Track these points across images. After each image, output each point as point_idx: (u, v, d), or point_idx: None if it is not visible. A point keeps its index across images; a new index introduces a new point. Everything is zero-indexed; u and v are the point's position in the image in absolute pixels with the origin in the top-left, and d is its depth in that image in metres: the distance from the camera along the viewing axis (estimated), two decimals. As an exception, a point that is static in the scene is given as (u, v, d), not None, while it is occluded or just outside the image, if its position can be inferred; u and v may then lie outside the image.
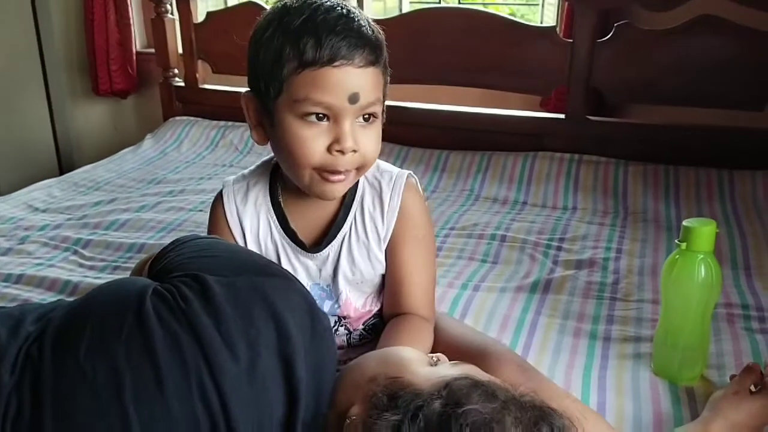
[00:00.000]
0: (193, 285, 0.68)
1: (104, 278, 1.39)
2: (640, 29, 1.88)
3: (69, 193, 1.91)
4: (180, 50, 2.43)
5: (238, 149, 2.23)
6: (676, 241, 1.02)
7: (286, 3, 0.86)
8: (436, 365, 0.72)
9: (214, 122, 2.37)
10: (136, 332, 0.64)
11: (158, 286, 0.70)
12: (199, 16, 2.40)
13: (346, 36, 0.81)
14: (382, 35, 0.88)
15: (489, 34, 2.02)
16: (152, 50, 2.53)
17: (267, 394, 0.65)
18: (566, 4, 2.04)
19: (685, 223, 1.01)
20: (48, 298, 1.30)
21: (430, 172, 1.98)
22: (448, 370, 0.69)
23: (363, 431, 0.63)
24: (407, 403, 0.62)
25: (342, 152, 0.85)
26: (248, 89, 0.91)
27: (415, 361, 0.72)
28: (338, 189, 0.90)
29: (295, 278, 0.78)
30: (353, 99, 0.83)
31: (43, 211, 1.77)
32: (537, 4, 2.54)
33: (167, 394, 0.62)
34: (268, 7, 2.24)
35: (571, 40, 1.93)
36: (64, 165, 2.80)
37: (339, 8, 0.84)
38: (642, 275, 1.39)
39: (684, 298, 1.02)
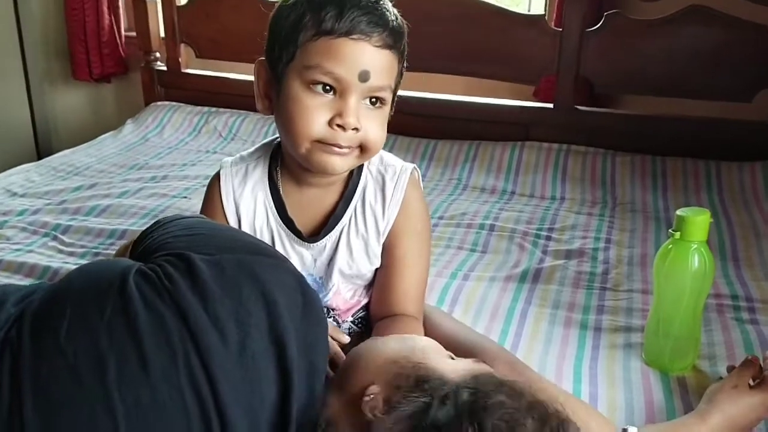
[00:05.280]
0: (178, 264, 0.66)
1: (84, 264, 1.35)
2: (630, 19, 1.87)
3: (48, 177, 1.86)
4: (162, 34, 2.38)
5: (221, 135, 2.19)
6: (670, 230, 1.02)
7: None
8: (454, 360, 0.71)
9: (197, 108, 2.32)
10: (120, 313, 0.62)
11: (142, 266, 0.67)
12: (182, -1, 2.35)
13: (369, 12, 0.81)
14: (405, 26, 0.87)
15: (477, 21, 2.00)
16: (133, 33, 2.48)
17: (258, 376, 0.63)
18: (556, -8, 2.03)
19: (678, 212, 1.01)
20: (27, 284, 1.27)
21: (417, 161, 1.95)
22: (470, 365, 0.69)
23: (385, 407, 0.61)
24: (435, 389, 0.61)
25: (343, 128, 0.83)
26: (263, 58, 0.91)
27: (436, 351, 0.71)
28: (337, 162, 0.86)
29: (284, 257, 0.76)
30: (363, 77, 0.82)
31: (22, 195, 1.73)
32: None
33: (153, 378, 0.59)
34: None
35: (560, 29, 1.91)
36: (41, 150, 2.74)
37: None
38: (631, 265, 1.39)
39: (677, 287, 1.01)
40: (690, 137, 1.88)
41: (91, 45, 2.53)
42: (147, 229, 0.78)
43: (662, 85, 1.88)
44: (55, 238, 1.47)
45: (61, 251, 1.42)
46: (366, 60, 0.82)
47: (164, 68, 2.39)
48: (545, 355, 1.08)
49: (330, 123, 0.83)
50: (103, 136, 2.25)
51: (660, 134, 1.92)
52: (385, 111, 0.89)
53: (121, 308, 0.62)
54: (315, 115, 0.83)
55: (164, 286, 0.63)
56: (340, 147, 0.84)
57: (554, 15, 2.04)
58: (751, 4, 1.77)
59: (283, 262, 0.72)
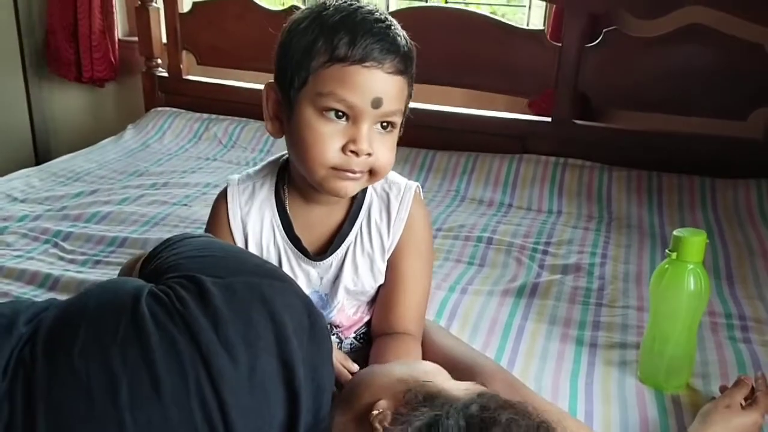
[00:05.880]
0: (190, 286, 0.67)
1: (86, 272, 1.36)
2: (628, 36, 1.90)
3: (48, 183, 1.87)
4: (164, 40, 2.39)
5: (222, 143, 2.20)
6: (666, 250, 1.03)
7: (326, 1, 0.86)
8: (459, 382, 0.73)
9: (198, 114, 2.33)
10: (132, 335, 0.63)
11: (154, 288, 0.68)
12: (185, 6, 2.36)
13: (381, 39, 0.82)
14: (414, 50, 0.88)
15: (477, 34, 2.02)
16: (134, 38, 2.48)
17: (267, 399, 0.64)
18: (554, 7, 2.05)
19: (675, 232, 1.02)
20: (28, 291, 1.28)
21: (416, 172, 1.98)
22: (473, 386, 0.70)
23: (393, 421, 0.63)
24: (444, 404, 0.63)
25: (356, 154, 0.84)
26: (271, 80, 0.91)
27: (441, 374, 0.73)
28: (350, 187, 0.88)
29: (292, 279, 0.77)
30: (376, 103, 0.83)
31: (22, 201, 1.73)
32: (523, 5, 2.55)
33: (165, 400, 0.60)
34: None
35: (559, 44, 1.93)
36: (40, 153, 2.74)
37: (378, 14, 0.85)
38: (627, 282, 1.40)
39: (673, 307, 1.03)
40: (685, 154, 1.91)
41: (83, 48, 2.53)
42: (157, 247, 0.79)
43: (659, 101, 1.90)
44: (55, 245, 1.48)
45: (61, 258, 1.43)
46: (379, 87, 0.83)
47: (165, 74, 2.40)
48: (541, 372, 1.10)
49: (343, 149, 0.84)
50: (103, 141, 2.25)
51: (656, 150, 1.95)
52: (395, 134, 0.90)
53: (134, 330, 0.63)
54: (329, 142, 0.84)
55: (176, 308, 0.64)
56: (354, 172, 0.86)
57: (550, 29, 2.06)
58: (747, 23, 1.80)
59: (290, 284, 0.73)
